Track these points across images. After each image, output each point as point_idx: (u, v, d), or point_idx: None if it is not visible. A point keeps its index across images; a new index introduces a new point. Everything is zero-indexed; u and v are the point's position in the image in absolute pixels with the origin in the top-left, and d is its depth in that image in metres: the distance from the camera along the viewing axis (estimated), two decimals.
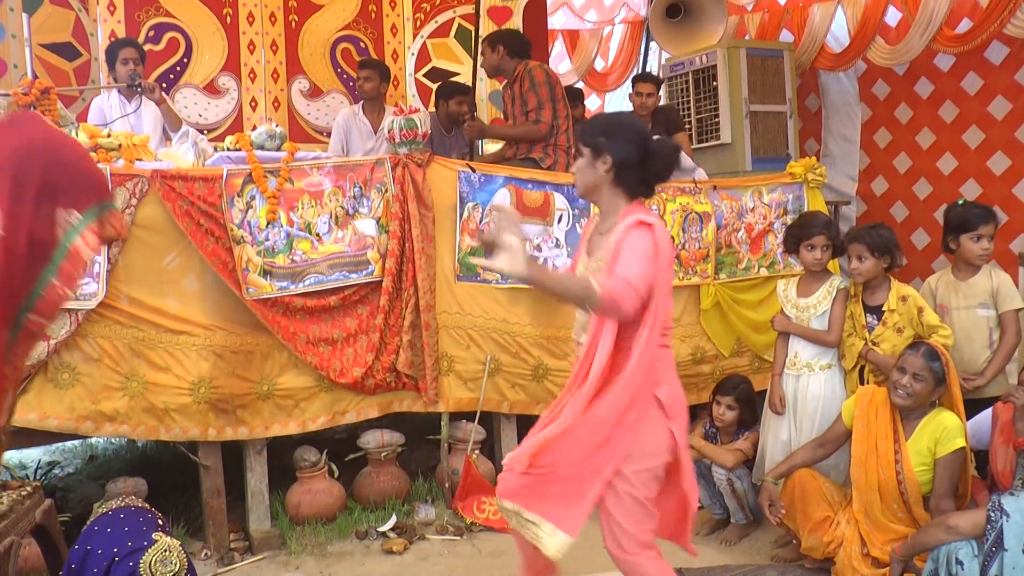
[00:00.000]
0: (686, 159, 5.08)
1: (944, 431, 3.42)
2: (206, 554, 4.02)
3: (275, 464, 4.31)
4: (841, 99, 6.86)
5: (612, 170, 2.68)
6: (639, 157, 2.67)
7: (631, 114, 2.86)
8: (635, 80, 6.24)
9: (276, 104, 6.38)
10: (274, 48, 6.35)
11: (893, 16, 6.23)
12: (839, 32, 6.61)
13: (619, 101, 8.17)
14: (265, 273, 4.07)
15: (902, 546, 3.31)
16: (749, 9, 7.27)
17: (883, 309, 3.93)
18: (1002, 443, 3.48)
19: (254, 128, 4.45)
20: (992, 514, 3.01)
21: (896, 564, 3.30)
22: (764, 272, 5.15)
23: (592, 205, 3.22)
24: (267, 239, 4.08)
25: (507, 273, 2.35)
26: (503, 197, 4.56)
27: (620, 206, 2.72)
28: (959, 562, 3.01)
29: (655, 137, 2.78)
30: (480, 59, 5.39)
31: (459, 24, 6.67)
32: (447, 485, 4.51)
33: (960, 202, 4.23)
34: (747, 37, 7.14)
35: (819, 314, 4.08)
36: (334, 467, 4.44)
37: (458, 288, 4.48)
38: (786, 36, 6.93)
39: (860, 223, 6.70)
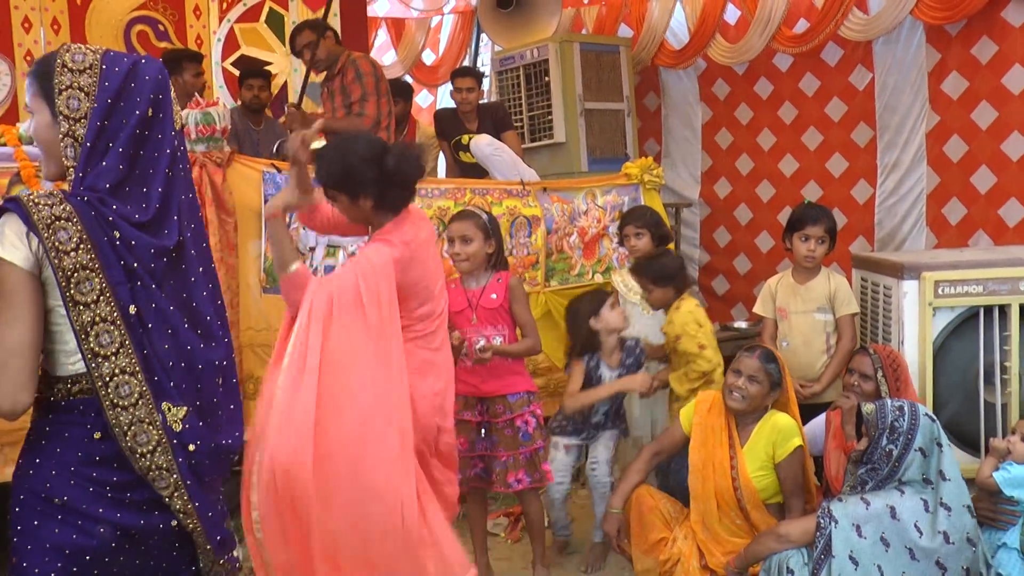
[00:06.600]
0: (516, 162, 5.22)
1: (780, 433, 3.57)
2: None
3: None
4: (681, 98, 7.12)
5: (374, 202, 2.97)
6: (388, 178, 2.94)
7: (352, 138, 3.07)
8: (454, 75, 6.33)
9: None
10: (56, 27, 6.06)
11: (732, 14, 6.58)
12: (679, 29, 6.90)
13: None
14: None
15: (736, 558, 3.43)
16: (586, 2, 7.48)
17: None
18: (835, 448, 3.69)
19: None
20: (821, 520, 3.17)
21: None
22: (599, 278, 5.26)
23: None
24: None
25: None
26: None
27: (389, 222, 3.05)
28: (790, 571, 3.17)
29: (386, 144, 3.03)
30: (310, 50, 5.32)
31: (270, 8, 6.52)
32: None
33: (805, 202, 4.49)
34: (584, 31, 7.33)
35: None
36: None
37: (265, 301, 4.32)
38: (625, 31, 7.16)
39: (704, 227, 7.05)
